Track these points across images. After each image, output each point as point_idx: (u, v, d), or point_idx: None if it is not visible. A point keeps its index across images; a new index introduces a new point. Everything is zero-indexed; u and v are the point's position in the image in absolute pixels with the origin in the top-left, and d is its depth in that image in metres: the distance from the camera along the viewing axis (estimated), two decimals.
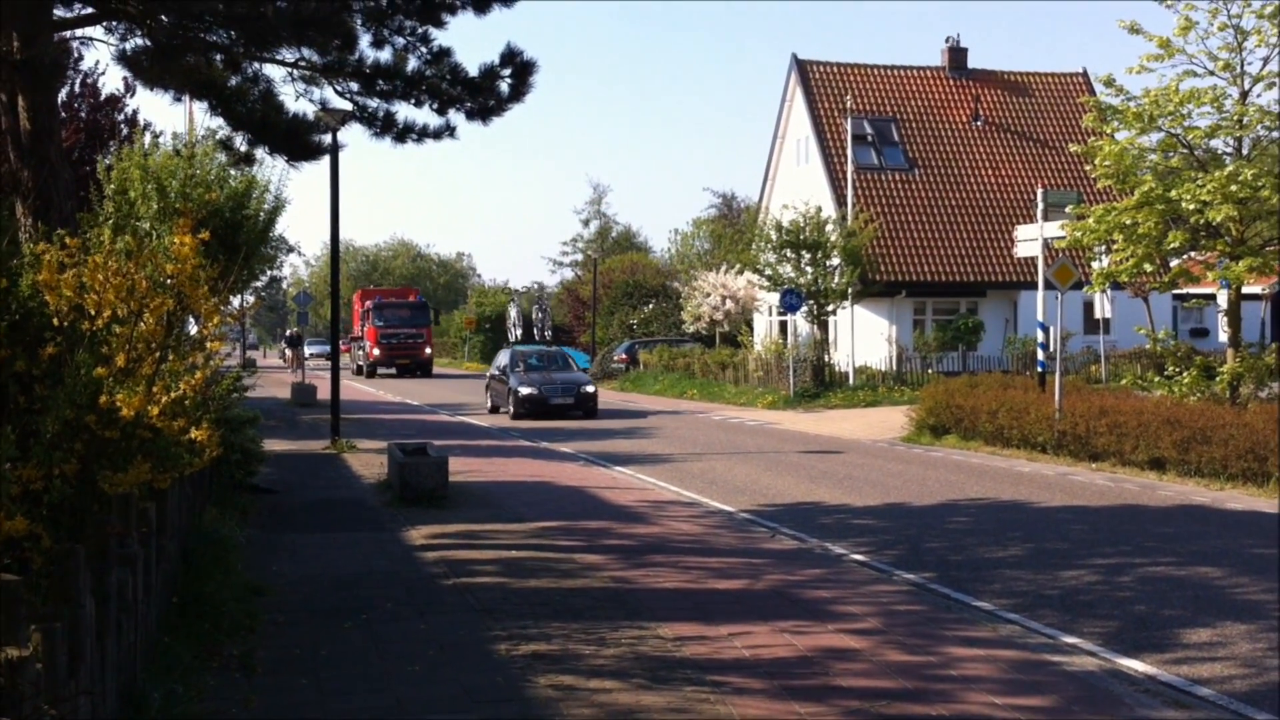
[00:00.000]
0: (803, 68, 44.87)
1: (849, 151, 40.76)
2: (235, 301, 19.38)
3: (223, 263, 9.55)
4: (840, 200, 40.60)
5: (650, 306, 59.00)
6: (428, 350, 57.00)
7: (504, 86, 14.67)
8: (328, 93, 14.71)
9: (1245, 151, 20.42)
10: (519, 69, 14.63)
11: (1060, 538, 12.98)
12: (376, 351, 55.48)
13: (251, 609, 9.09)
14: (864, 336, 39.50)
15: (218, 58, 13.66)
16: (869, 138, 43.06)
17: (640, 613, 9.32)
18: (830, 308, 37.95)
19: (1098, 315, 34.63)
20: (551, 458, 21.41)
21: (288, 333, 59.95)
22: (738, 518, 14.58)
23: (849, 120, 41.17)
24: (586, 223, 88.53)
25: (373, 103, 14.76)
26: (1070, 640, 8.77)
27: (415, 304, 59.10)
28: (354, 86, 14.57)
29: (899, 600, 10.03)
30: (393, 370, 55.87)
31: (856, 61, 46.12)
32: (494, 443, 24.31)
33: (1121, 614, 9.55)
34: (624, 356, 50.34)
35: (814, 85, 44.48)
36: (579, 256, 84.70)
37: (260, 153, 15.43)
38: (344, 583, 10.48)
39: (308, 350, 78.36)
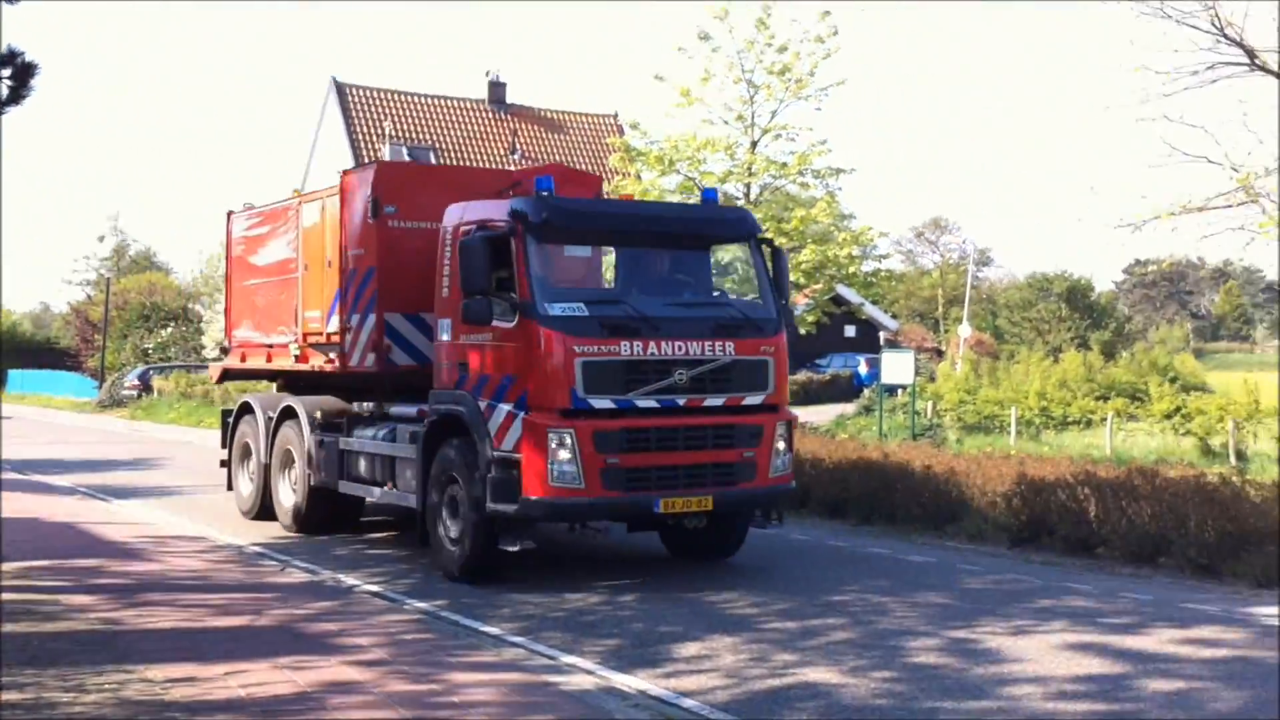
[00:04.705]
0: (341, 90, 44.32)
1: None
2: None
3: None
4: None
5: (169, 330, 56.01)
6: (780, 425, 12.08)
7: (2, 89, 13.51)
8: None
9: (753, 197, 22.04)
10: (19, 71, 13.50)
11: (571, 561, 13.33)
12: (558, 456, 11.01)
13: None
14: None
15: None
16: None
17: (129, 655, 8.67)
18: None
19: None
20: (43, 490, 19.70)
21: None
22: (248, 551, 13.97)
23: (387, 146, 41.06)
24: (101, 239, 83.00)
25: None
26: (570, 660, 8.98)
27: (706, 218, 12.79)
28: None
29: (408, 630, 9.91)
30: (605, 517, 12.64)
31: (397, 88, 46.08)
32: None
33: (621, 632, 9.90)
34: (137, 383, 47.64)
35: (353, 109, 44.03)
36: (91, 275, 79.22)
37: None
38: None
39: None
